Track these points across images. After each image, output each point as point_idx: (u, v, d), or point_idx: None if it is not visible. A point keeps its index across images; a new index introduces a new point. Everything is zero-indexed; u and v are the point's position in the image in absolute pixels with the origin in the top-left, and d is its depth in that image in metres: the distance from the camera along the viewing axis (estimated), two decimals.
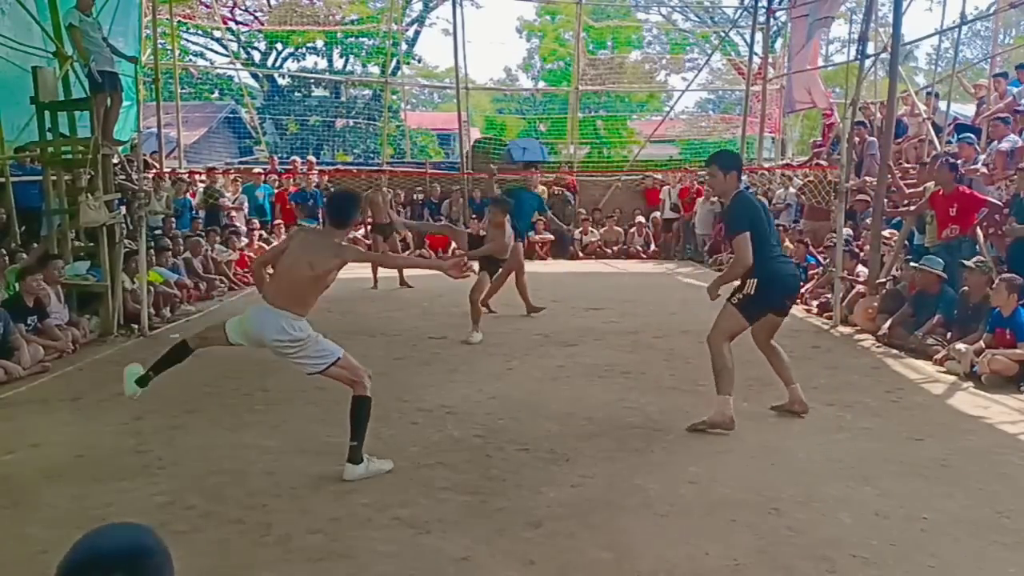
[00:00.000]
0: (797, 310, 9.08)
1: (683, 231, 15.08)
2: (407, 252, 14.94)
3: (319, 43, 24.17)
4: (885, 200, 8.46)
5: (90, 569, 1.22)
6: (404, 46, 23.28)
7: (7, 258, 7.45)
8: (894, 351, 6.86)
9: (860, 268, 8.54)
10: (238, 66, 21.23)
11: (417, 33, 26.13)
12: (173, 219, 11.54)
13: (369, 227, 12.07)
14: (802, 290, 9.48)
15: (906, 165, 10.88)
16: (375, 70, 23.28)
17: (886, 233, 8.60)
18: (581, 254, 14.76)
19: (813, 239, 10.73)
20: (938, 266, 6.94)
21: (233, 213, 13.25)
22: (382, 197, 11.76)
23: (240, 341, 3.96)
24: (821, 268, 9.55)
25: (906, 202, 8.80)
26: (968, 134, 9.75)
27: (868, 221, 9.29)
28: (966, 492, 3.73)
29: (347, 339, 7.70)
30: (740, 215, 4.60)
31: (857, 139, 11.01)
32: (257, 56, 25.71)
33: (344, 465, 3.87)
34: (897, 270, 8.12)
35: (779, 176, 14.26)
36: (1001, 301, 5.90)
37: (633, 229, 15.26)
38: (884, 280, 7.92)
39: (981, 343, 5.97)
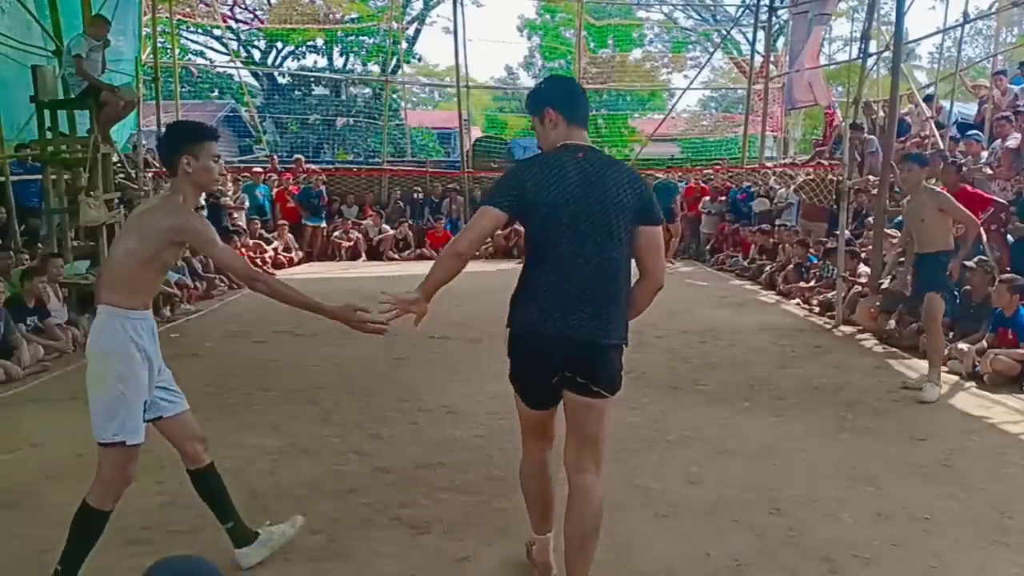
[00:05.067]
0: (799, 309, 9.09)
1: (687, 230, 15.06)
2: (407, 252, 14.93)
3: (319, 41, 24.16)
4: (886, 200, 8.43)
5: None
6: (404, 44, 23.27)
7: (12, 259, 7.45)
8: (895, 351, 6.85)
9: (862, 267, 8.53)
10: (238, 65, 21.22)
11: (417, 31, 26.16)
12: None
13: None
14: (800, 285, 9.50)
15: None
16: (375, 68, 23.28)
17: (889, 232, 8.58)
18: None
19: (808, 239, 10.71)
20: None
21: (234, 213, 13.25)
22: None
23: None
24: (819, 268, 9.55)
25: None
26: (976, 131, 9.75)
27: (869, 220, 9.27)
28: (968, 492, 3.72)
29: (348, 339, 7.74)
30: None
31: (856, 141, 11.00)
32: (257, 55, 25.71)
33: None
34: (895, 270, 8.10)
35: (780, 175, 14.24)
36: (1003, 302, 5.90)
37: None
38: (887, 284, 7.88)
39: (983, 343, 5.96)
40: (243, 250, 11.87)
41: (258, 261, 12.18)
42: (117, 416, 2.67)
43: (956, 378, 5.90)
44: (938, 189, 5.83)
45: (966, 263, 6.61)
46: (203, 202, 12.99)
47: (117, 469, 2.74)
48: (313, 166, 16.28)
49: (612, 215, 2.53)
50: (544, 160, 2.65)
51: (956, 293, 5.96)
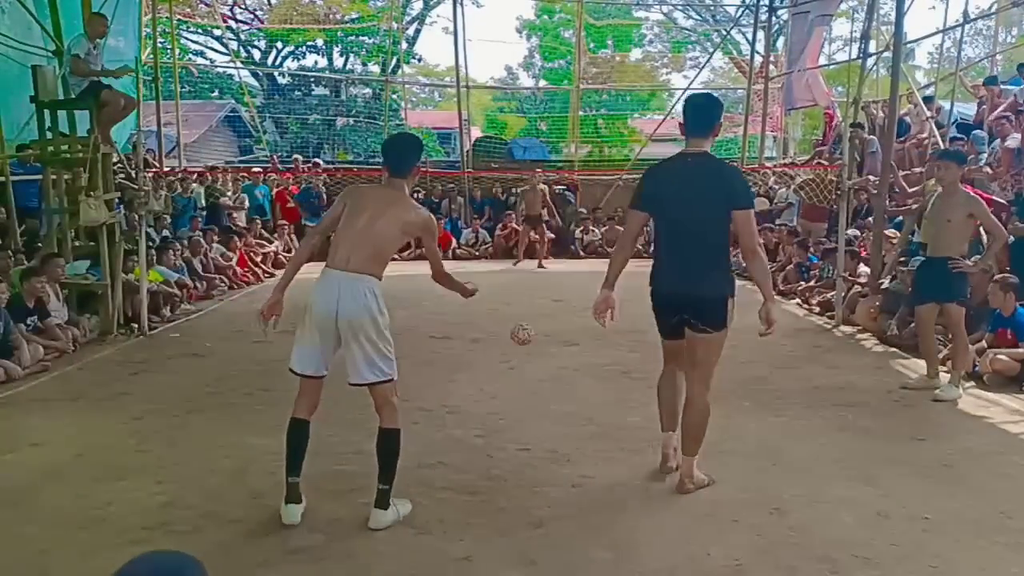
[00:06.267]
0: (799, 309, 9.09)
1: None
2: (407, 252, 14.90)
3: (319, 42, 24.16)
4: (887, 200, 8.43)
5: None
6: (404, 45, 23.27)
7: (12, 259, 7.45)
8: (895, 351, 6.85)
9: (862, 268, 8.53)
10: (238, 65, 21.21)
11: (417, 31, 26.17)
12: (167, 217, 11.53)
13: (522, 217, 13.97)
14: (802, 287, 9.50)
15: (917, 171, 10.82)
16: (375, 69, 23.27)
17: (889, 232, 8.58)
18: (582, 253, 14.75)
19: (808, 239, 10.71)
20: None
21: (234, 213, 13.24)
22: (536, 193, 13.58)
23: (311, 352, 3.54)
24: (819, 269, 9.55)
25: (911, 201, 8.79)
26: (979, 131, 9.71)
27: (869, 220, 9.26)
28: (968, 492, 3.73)
29: None
30: None
31: (857, 140, 10.98)
32: (257, 55, 25.70)
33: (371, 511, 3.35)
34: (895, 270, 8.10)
35: (779, 175, 14.24)
36: (997, 302, 5.91)
37: None
38: (887, 284, 7.89)
39: (983, 343, 5.96)
40: (243, 250, 11.87)
41: (259, 261, 12.17)
42: (392, 358, 3.36)
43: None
44: (972, 194, 5.76)
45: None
46: (203, 202, 13.03)
47: (395, 394, 3.40)
48: (318, 160, 16.30)
49: (701, 205, 3.48)
50: (663, 164, 3.78)
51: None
